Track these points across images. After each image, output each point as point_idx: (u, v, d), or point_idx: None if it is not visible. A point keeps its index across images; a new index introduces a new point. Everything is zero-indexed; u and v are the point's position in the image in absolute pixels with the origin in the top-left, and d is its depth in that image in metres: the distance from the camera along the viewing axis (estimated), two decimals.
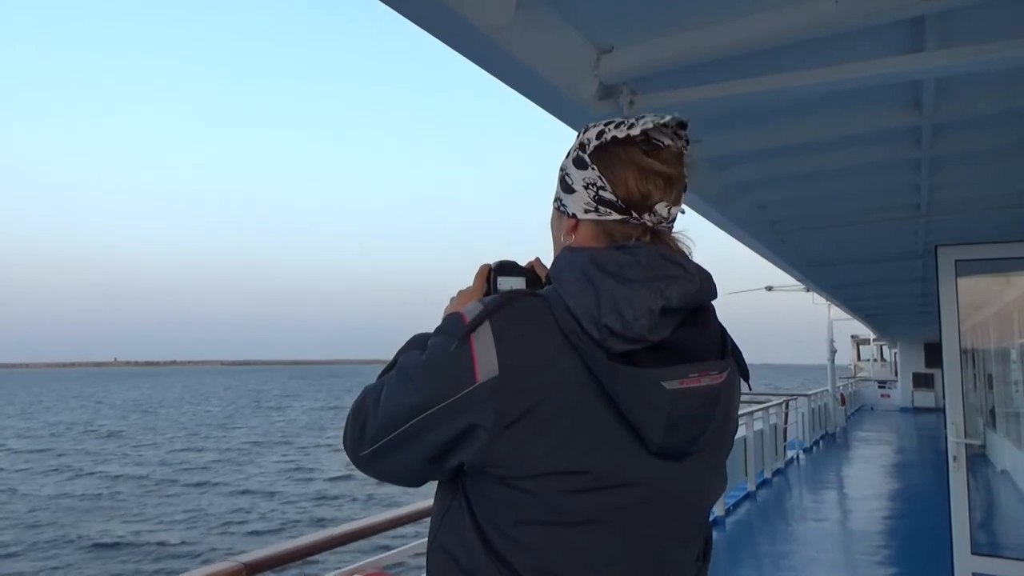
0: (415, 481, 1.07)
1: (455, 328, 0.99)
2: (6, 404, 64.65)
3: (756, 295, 19.32)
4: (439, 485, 1.09)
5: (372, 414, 1.03)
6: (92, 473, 23.02)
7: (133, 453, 27.72)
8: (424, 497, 2.35)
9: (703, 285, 0.99)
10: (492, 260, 1.23)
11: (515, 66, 2.43)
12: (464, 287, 1.22)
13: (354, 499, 17.85)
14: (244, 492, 19.20)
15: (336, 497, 17.99)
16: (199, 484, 20.31)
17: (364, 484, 19.16)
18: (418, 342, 1.09)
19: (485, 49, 2.31)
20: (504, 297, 1.00)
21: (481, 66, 2.40)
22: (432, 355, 1.00)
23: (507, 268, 1.21)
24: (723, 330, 1.05)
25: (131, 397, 74.14)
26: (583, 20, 2.65)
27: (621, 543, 0.97)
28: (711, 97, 2.90)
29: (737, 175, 4.68)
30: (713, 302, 1.04)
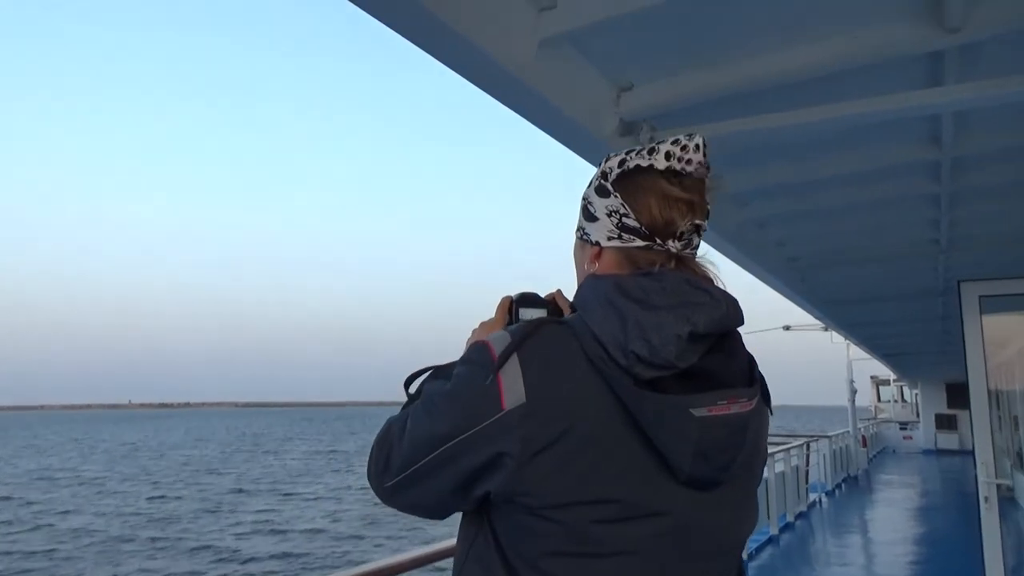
0: (440, 512, 1.07)
1: (481, 356, 1.00)
2: (8, 447, 64.58)
3: (773, 334, 19.25)
4: (464, 517, 1.09)
5: (397, 444, 1.04)
6: (46, 526, 22.02)
7: (102, 503, 26.82)
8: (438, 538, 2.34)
9: (729, 311, 0.99)
10: (513, 292, 1.25)
11: (538, 104, 2.50)
12: (486, 319, 1.24)
13: (320, 558, 16.82)
14: (203, 548, 17.98)
15: (303, 555, 17.09)
16: (155, 540, 19.21)
17: (337, 540, 18.52)
18: (443, 372, 1.10)
19: (509, 87, 2.38)
20: (530, 325, 1.02)
21: (505, 103, 2.48)
22: (458, 384, 1.00)
23: (529, 300, 1.23)
24: (750, 357, 1.05)
25: (131, 440, 73.83)
26: (603, 58, 2.73)
27: (652, 572, 0.96)
28: (731, 132, 2.96)
29: (756, 211, 4.72)
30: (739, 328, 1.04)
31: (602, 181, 1.09)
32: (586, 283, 1.06)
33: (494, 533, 1.01)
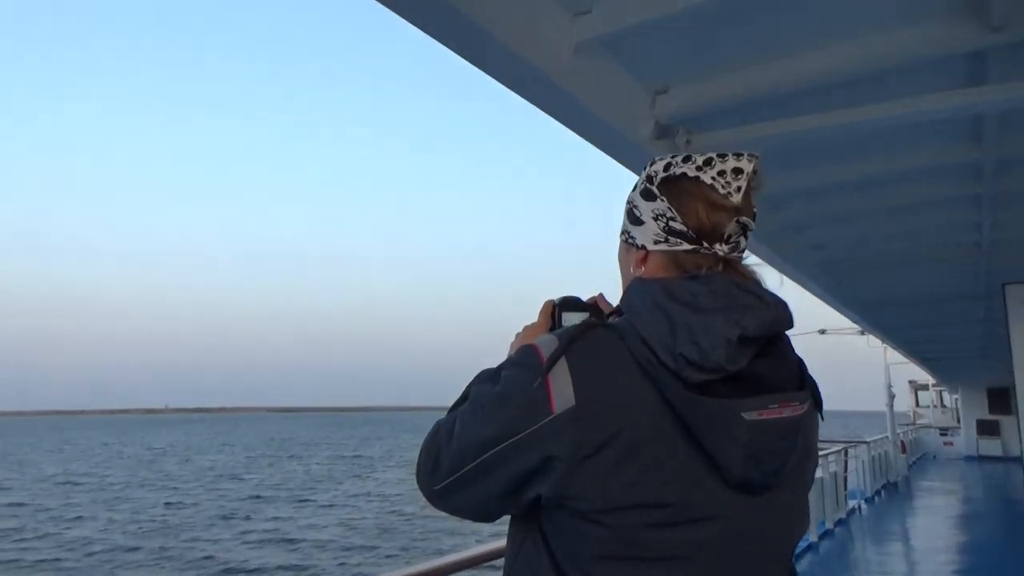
0: (489, 515, 1.07)
1: (529, 360, 1.00)
2: (25, 451, 65.92)
3: (808, 338, 19.02)
4: (512, 521, 1.09)
5: (446, 447, 1.05)
6: (55, 534, 21.80)
7: (119, 508, 26.85)
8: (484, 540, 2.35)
9: (779, 314, 1.00)
10: (555, 296, 1.26)
11: (574, 108, 2.52)
12: (528, 323, 1.26)
13: (324, 571, 16.41)
14: (208, 559, 17.63)
15: (308, 567, 16.75)
16: (163, 549, 18.96)
17: (346, 551, 18.20)
18: (489, 376, 1.10)
19: (545, 92, 2.40)
20: (578, 329, 1.02)
21: (540, 107, 2.50)
22: (507, 387, 1.01)
23: (571, 304, 1.24)
24: (800, 360, 1.05)
25: (160, 444, 74.91)
26: (639, 62, 2.75)
27: None
28: (767, 135, 2.96)
29: (793, 214, 4.70)
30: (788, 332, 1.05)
31: (648, 185, 1.10)
32: (632, 287, 1.06)
33: (544, 536, 1.01)
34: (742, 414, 0.94)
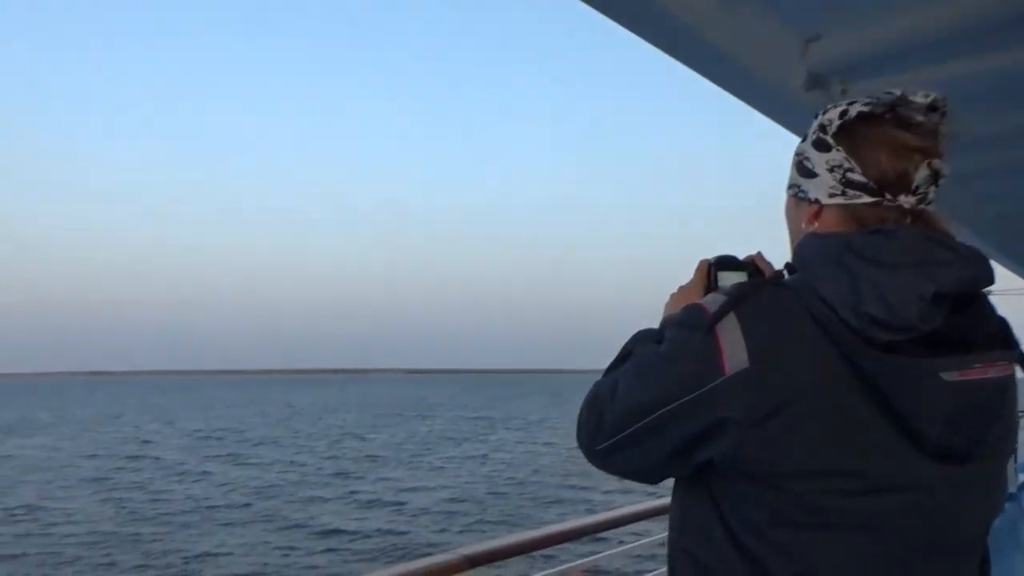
0: (655, 476, 1.06)
1: (697, 319, 0.97)
2: (177, 408, 71.92)
3: None
4: (678, 483, 1.08)
5: (608, 408, 1.04)
6: (166, 492, 22.71)
7: (240, 467, 27.94)
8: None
9: (979, 270, 0.94)
10: (711, 255, 1.25)
11: (717, 58, 2.38)
12: (683, 284, 1.25)
13: (392, 534, 16.16)
14: (306, 520, 17.68)
15: (403, 532, 16.34)
16: (268, 509, 19.31)
17: (447, 516, 17.97)
18: (651, 336, 1.10)
19: (685, 41, 2.28)
20: (747, 287, 0.99)
21: (679, 59, 2.37)
22: (673, 347, 0.99)
23: (727, 263, 1.22)
24: (1003, 319, 0.99)
25: (302, 403, 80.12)
26: (789, 7, 2.56)
27: (890, 552, 0.93)
28: (934, 79, 2.73)
29: (958, 165, 4.34)
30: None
31: (821, 134, 1.04)
32: (807, 242, 1.02)
33: (714, 500, 0.99)
34: (941, 374, 0.89)
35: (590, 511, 17.22)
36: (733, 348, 0.93)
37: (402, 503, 20.13)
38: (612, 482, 22.44)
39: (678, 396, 0.96)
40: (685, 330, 0.99)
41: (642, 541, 3.16)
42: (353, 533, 16.56)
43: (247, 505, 20.29)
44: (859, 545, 0.92)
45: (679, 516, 1.07)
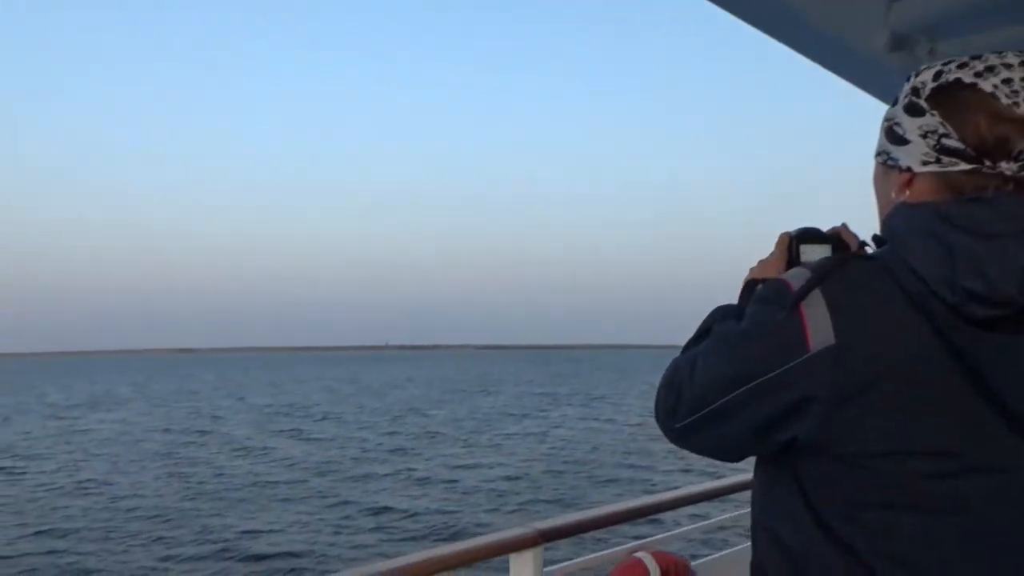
0: (734, 455, 1.07)
1: (780, 295, 0.97)
2: (267, 385, 74.28)
3: None
4: (760, 461, 1.10)
5: (687, 386, 1.04)
6: (224, 469, 23.00)
7: (300, 443, 28.28)
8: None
9: None
10: (792, 228, 1.23)
11: (791, 18, 2.27)
12: (762, 258, 1.24)
13: (441, 513, 15.89)
14: (345, 504, 17.37)
15: (453, 512, 16.02)
16: (319, 487, 19.30)
17: (498, 497, 17.60)
18: (731, 311, 1.10)
19: (760, 4, 2.18)
20: (833, 260, 0.98)
21: (755, 25, 2.26)
22: (755, 324, 0.99)
23: (810, 235, 1.20)
24: None
25: (370, 379, 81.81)
26: None
27: (981, 535, 0.90)
28: None
29: None
30: None
31: (914, 98, 1.00)
32: (897, 212, 0.99)
33: (798, 481, 0.99)
34: None
35: (647, 492, 17.10)
36: (818, 325, 0.92)
37: (455, 481, 20.03)
38: (672, 461, 22.21)
39: (760, 374, 0.96)
40: (768, 307, 0.98)
41: (699, 524, 3.13)
42: (403, 511, 16.51)
43: (303, 481, 20.53)
44: (948, 527, 0.90)
45: (761, 494, 1.08)
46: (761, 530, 1.06)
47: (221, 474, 22.11)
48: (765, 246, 1.26)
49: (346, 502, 17.80)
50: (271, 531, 15.24)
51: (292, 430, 32.87)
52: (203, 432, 32.64)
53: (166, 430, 33.59)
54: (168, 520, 16.35)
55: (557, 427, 32.83)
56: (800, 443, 0.96)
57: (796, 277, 0.97)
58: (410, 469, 22.10)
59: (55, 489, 20.08)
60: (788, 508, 1.00)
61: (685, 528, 2.97)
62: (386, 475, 21.34)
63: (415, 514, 16.34)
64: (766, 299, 0.99)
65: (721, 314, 1.12)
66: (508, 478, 20.49)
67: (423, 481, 20.23)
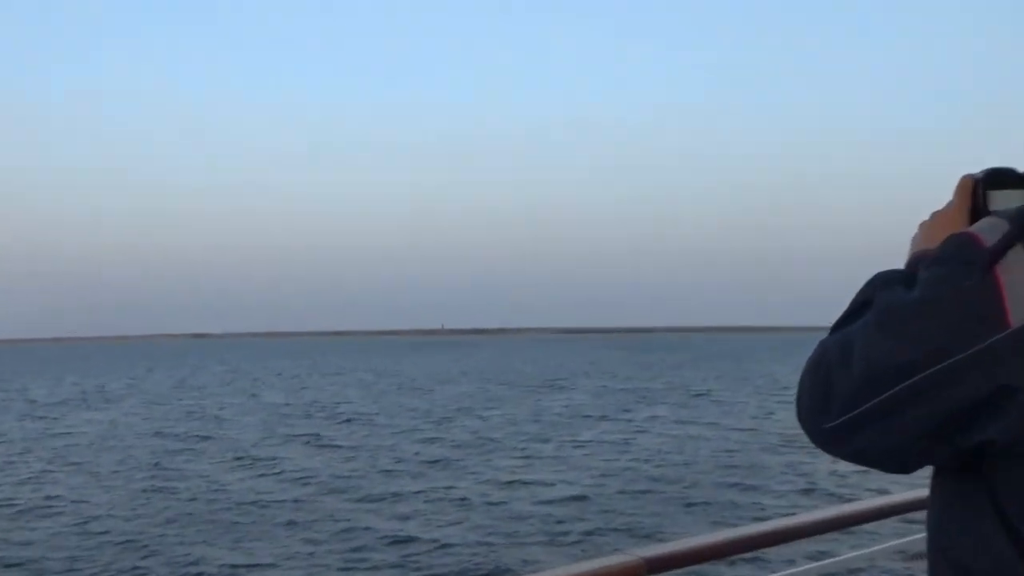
0: (907, 464, 1.06)
1: (967, 254, 0.98)
2: (289, 378, 76.11)
3: None
4: (938, 472, 1.10)
5: (841, 374, 1.04)
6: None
7: (311, 456, 28.44)
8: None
9: None
10: (976, 170, 1.24)
11: None
12: (938, 208, 1.26)
13: (477, 546, 15.71)
14: (363, 531, 17.33)
15: (478, 544, 15.82)
16: (330, 512, 19.30)
17: (540, 525, 17.18)
18: (896, 278, 1.10)
19: None
20: None
21: None
22: (933, 292, 0.99)
23: (1003, 178, 1.20)
24: None
25: (418, 371, 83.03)
26: None
27: None
28: None
29: None
30: None
31: None
32: None
33: (993, 496, 0.98)
34: None
35: (758, 519, 16.33)
36: (1019, 292, 0.92)
37: (502, 503, 19.83)
38: (790, 479, 21.43)
39: (942, 357, 0.94)
40: (950, 268, 0.98)
41: (824, 562, 3.13)
42: (431, 542, 16.37)
43: (313, 501, 20.71)
44: None
45: (941, 514, 1.09)
46: (941, 560, 1.06)
47: (217, 489, 22.61)
48: (939, 195, 1.28)
49: (364, 528, 17.83)
50: (262, 565, 15.27)
51: (309, 435, 33.49)
52: (203, 437, 33.61)
53: (158, 434, 34.75)
54: (142, 548, 16.64)
55: (643, 432, 32.42)
56: (996, 447, 0.95)
57: (987, 230, 0.98)
58: (448, 488, 22.00)
59: (14, 508, 20.74)
60: (979, 531, 0.99)
61: (808, 567, 2.98)
62: (418, 493, 21.31)
63: (445, 546, 16.17)
64: (947, 259, 1.00)
65: (883, 281, 1.10)
66: (572, 499, 20.16)
67: (462, 503, 20.10)
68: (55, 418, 41.53)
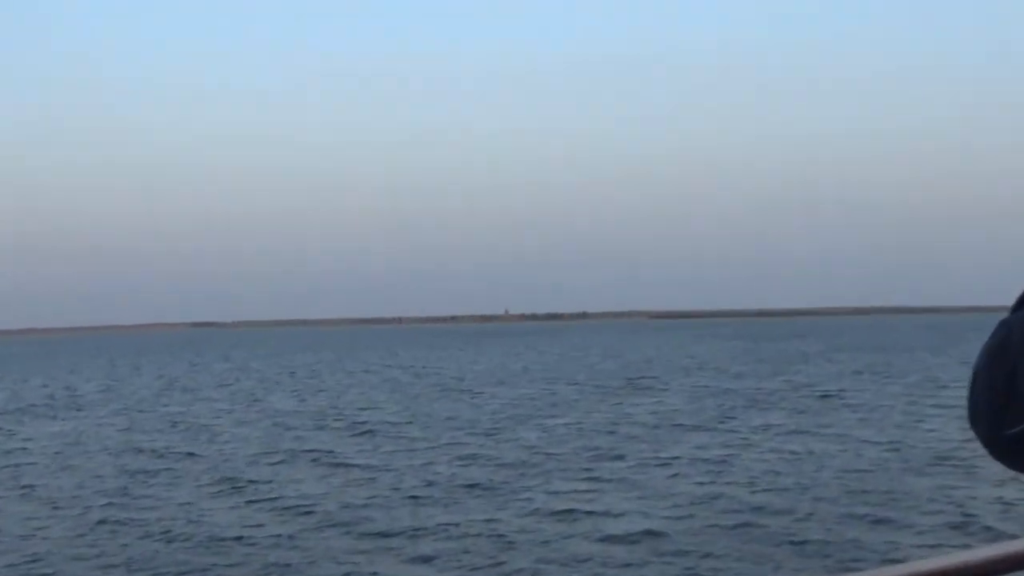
0: None
1: None
2: (307, 377, 76.94)
3: None
4: None
5: None
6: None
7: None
8: None
9: None
10: None
11: None
12: None
13: None
14: None
15: None
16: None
17: (570, 572, 17.09)
18: None
19: None
20: None
21: None
22: None
23: None
24: None
25: (472, 366, 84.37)
26: None
27: None
28: None
29: None
30: None
31: None
32: None
33: None
34: None
35: (889, 561, 15.71)
36: None
37: (551, 541, 19.31)
38: (935, 511, 20.46)
39: None
40: None
41: None
42: None
43: (305, 536, 20.50)
44: None
45: None
46: None
47: (194, 521, 22.34)
48: None
49: (370, 574, 17.62)
50: None
51: (319, 451, 33.35)
52: (187, 454, 33.45)
53: (133, 449, 34.87)
54: None
55: (749, 446, 31.56)
56: None
57: None
58: (488, 520, 21.46)
59: None
60: None
61: None
62: (446, 527, 20.84)
63: None
64: None
65: None
66: (645, 535, 19.66)
67: (500, 540, 19.59)
68: (10, 431, 42.08)
